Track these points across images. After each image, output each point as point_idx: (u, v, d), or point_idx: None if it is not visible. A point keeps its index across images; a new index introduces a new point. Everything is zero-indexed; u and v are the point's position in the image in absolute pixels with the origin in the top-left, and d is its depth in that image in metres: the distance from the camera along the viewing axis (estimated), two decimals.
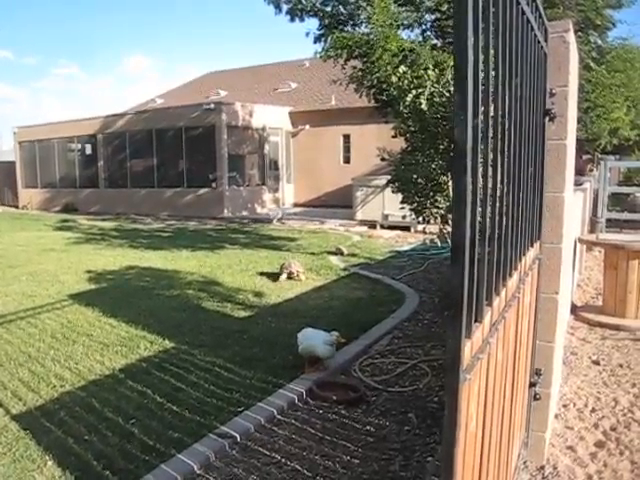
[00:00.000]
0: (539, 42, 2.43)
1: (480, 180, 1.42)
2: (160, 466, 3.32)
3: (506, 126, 1.78)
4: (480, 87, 1.34)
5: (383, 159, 7.12)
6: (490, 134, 1.59)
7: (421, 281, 8.31)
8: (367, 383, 4.55)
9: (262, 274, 8.90)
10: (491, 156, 1.64)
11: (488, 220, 1.57)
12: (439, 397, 4.28)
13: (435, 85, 5.59)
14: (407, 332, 5.88)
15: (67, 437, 3.71)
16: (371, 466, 3.35)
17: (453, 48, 1.23)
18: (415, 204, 6.27)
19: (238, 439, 3.65)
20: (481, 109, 1.36)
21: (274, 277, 8.55)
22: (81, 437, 3.71)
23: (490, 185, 1.63)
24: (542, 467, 3.16)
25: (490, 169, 1.62)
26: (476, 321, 1.50)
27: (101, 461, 3.39)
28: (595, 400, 4.01)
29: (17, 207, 26.67)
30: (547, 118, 2.81)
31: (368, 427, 3.84)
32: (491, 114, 1.60)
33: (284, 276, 8.46)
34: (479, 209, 1.42)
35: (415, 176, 6.00)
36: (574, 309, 6.15)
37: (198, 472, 3.30)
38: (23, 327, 6.29)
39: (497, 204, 1.72)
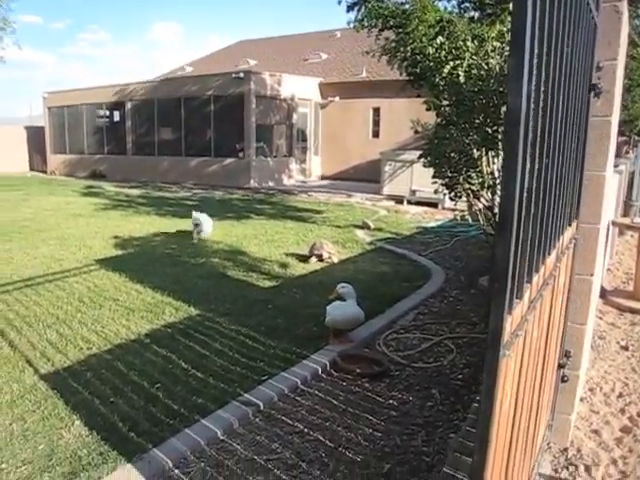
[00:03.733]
0: (590, 11, 2.32)
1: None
2: (184, 430, 3.37)
3: (555, 97, 1.71)
4: (535, 53, 1.27)
5: (416, 132, 6.98)
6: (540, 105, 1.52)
7: (448, 258, 8.24)
8: (391, 357, 4.54)
9: (289, 255, 8.35)
10: (539, 128, 1.57)
11: (534, 194, 1.51)
12: (463, 375, 4.26)
13: (474, 57, 5.44)
14: (432, 308, 5.84)
15: (93, 398, 3.78)
16: (393, 440, 3.35)
17: (512, 10, 1.16)
18: (447, 179, 6.16)
19: (261, 407, 3.68)
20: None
21: (303, 259, 8.00)
22: (107, 399, 3.78)
23: (536, 158, 1.57)
24: (566, 449, 3.12)
25: (538, 140, 1.56)
26: (517, 297, 1.45)
27: (126, 423, 3.46)
28: (622, 385, 3.94)
29: (45, 172, 27.00)
30: (592, 93, 2.70)
31: (391, 401, 3.83)
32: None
33: (314, 259, 7.78)
34: (527, 182, 1.36)
35: (448, 150, 5.88)
36: (604, 293, 6.04)
37: (221, 438, 3.34)
38: (51, 290, 6.39)
39: (542, 178, 1.65)
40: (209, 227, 9.52)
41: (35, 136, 28.07)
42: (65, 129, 26.52)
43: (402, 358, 4.55)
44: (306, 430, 3.45)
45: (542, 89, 1.49)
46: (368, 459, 3.15)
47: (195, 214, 9.45)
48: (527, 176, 1.35)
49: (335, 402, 3.81)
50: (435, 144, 6.13)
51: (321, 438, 3.36)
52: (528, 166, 1.35)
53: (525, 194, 1.35)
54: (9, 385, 3.95)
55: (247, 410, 3.62)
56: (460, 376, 4.25)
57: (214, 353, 4.55)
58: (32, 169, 28.40)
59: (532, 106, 1.33)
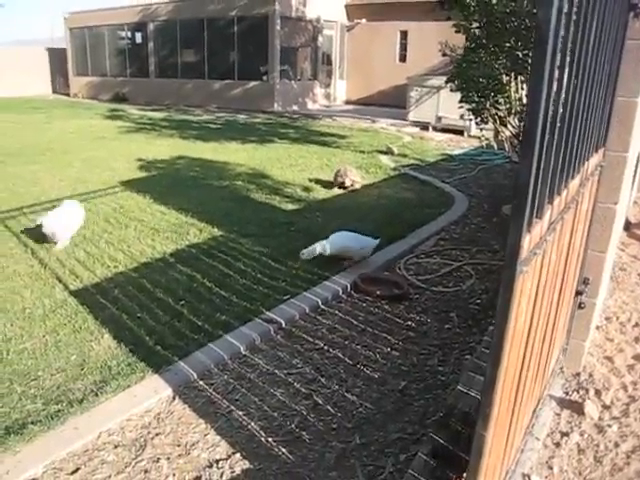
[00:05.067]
0: None
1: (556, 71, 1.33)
2: (208, 345, 3.51)
3: (589, 14, 1.65)
4: None
5: (444, 54, 6.77)
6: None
7: (472, 186, 8.16)
8: (411, 281, 4.61)
9: (312, 179, 8.25)
10: (569, 47, 1.52)
11: (559, 114, 1.49)
12: (481, 300, 4.32)
13: None
14: (454, 235, 5.86)
15: (121, 313, 3.93)
16: (410, 359, 3.45)
17: None
18: (474, 104, 6.02)
19: (283, 325, 3.81)
20: None
21: (326, 184, 7.89)
22: (134, 314, 3.92)
23: (565, 78, 1.53)
24: (578, 374, 3.19)
25: (567, 59, 1.51)
26: (537, 217, 1.46)
27: (153, 337, 3.60)
28: (639, 316, 3.96)
29: (68, 95, 26.86)
30: (632, 13, 2.58)
31: (409, 323, 3.93)
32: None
33: (338, 186, 7.61)
34: (553, 101, 1.34)
35: (476, 75, 5.72)
36: (628, 225, 5.97)
37: (244, 353, 3.48)
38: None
39: (569, 98, 1.62)
40: (74, 226, 5.48)
41: (57, 58, 27.78)
42: (87, 51, 26.19)
43: (422, 282, 4.61)
44: (326, 347, 3.56)
45: (575, 3, 1.43)
46: (385, 376, 3.26)
47: (46, 220, 5.18)
48: (553, 94, 1.33)
49: (355, 322, 3.91)
50: (463, 67, 5.97)
51: (340, 355, 3.48)
52: (555, 84, 1.33)
53: (550, 112, 1.33)
54: (41, 300, 4.12)
55: (269, 327, 3.74)
56: (478, 301, 4.31)
57: (237, 272, 4.65)
58: (55, 91, 28.29)
59: (563, 21, 1.28)
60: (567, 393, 3.03)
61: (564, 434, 2.68)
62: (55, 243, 5.25)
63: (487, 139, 7.39)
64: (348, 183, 7.63)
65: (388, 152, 10.71)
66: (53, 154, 10.21)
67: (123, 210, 6.50)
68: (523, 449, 2.46)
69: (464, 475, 1.93)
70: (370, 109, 19.10)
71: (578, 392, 3.03)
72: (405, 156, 10.59)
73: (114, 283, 4.46)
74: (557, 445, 2.61)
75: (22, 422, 2.75)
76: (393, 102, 18.27)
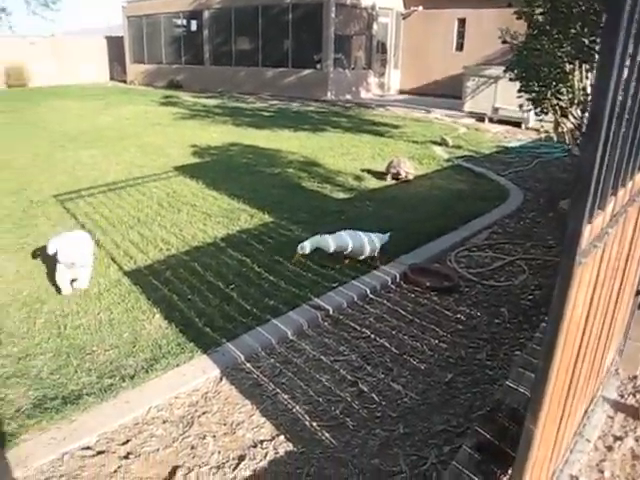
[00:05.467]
0: None
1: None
2: (256, 328, 3.55)
3: None
4: None
5: (505, 41, 6.56)
6: None
7: (528, 179, 7.92)
8: (461, 274, 4.53)
9: (364, 169, 8.18)
10: None
11: (629, 100, 1.41)
12: (534, 296, 4.21)
13: None
14: (507, 229, 5.72)
15: (172, 295, 4.02)
16: (458, 352, 3.40)
17: None
18: (534, 93, 5.83)
19: (330, 312, 3.81)
20: None
21: (379, 175, 7.80)
22: (185, 296, 4.00)
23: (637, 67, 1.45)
24: (635, 377, 3.08)
25: None
26: (599, 207, 1.40)
27: (202, 319, 3.67)
28: None
29: (125, 82, 27.58)
30: None
31: (459, 315, 3.86)
32: None
33: (390, 177, 7.50)
34: (622, 84, 1.27)
35: (538, 63, 5.53)
36: None
37: (291, 338, 3.50)
38: (132, 194, 6.68)
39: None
40: (88, 263, 4.14)
41: (115, 46, 28.55)
42: (143, 39, 26.73)
43: (473, 275, 4.53)
44: (373, 336, 3.55)
45: None
46: (432, 368, 3.23)
47: (54, 242, 4.01)
48: (622, 83, 1.26)
49: (403, 312, 3.88)
50: (524, 55, 5.79)
51: (387, 345, 3.45)
52: (625, 72, 1.26)
53: (620, 96, 1.27)
54: (96, 279, 4.25)
55: (317, 314, 3.75)
56: (530, 297, 4.20)
57: (287, 259, 4.66)
58: (112, 79, 29.07)
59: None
60: (622, 396, 2.93)
61: (617, 438, 2.59)
62: (73, 281, 4.06)
63: (546, 131, 7.17)
64: (402, 174, 7.48)
65: (442, 143, 10.53)
66: (110, 139, 10.48)
67: (176, 195, 6.62)
68: (572, 449, 2.39)
69: (509, 471, 1.89)
70: (424, 99, 18.83)
71: (634, 396, 2.92)
72: (459, 147, 10.39)
73: (166, 265, 4.56)
74: (609, 449, 2.52)
75: (78, 393, 2.87)
76: (448, 92, 17.95)
